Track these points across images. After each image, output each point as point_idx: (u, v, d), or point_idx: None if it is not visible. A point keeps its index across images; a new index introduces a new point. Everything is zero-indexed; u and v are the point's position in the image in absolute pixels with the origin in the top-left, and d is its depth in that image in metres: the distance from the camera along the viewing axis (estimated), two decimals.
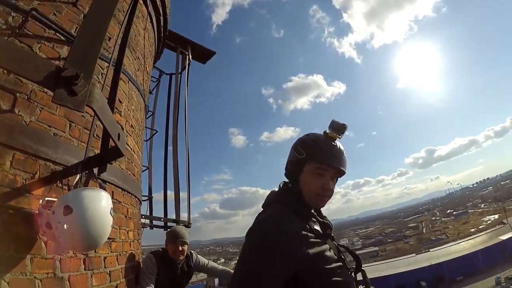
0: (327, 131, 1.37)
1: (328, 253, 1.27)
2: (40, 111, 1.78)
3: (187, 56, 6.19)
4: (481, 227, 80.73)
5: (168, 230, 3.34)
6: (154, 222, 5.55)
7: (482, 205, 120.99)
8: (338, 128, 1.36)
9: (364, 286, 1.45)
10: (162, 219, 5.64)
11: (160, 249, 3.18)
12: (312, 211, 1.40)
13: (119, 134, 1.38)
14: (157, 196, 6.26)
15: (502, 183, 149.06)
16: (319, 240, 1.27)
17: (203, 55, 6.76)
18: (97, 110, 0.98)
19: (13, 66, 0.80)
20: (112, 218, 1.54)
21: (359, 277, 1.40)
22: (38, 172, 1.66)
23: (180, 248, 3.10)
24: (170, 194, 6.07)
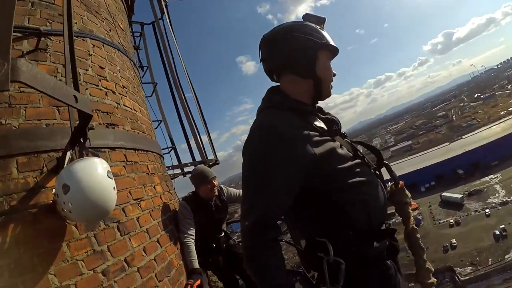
0: (318, 25, 1.28)
1: (340, 151, 1.17)
2: (25, 110, 1.79)
3: None
4: (510, 109, 78.29)
5: (192, 173, 3.31)
6: (185, 169, 5.80)
7: (510, 86, 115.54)
8: (320, 19, 1.31)
9: (392, 183, 1.41)
10: (190, 164, 5.84)
11: (190, 193, 3.27)
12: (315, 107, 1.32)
13: (75, 97, 1.27)
14: (182, 145, 6.41)
15: None
16: (326, 137, 1.16)
17: None
18: (29, 81, 0.90)
19: None
20: (112, 180, 1.54)
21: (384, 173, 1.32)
22: (44, 165, 1.72)
23: (214, 186, 3.16)
24: (192, 140, 6.19)
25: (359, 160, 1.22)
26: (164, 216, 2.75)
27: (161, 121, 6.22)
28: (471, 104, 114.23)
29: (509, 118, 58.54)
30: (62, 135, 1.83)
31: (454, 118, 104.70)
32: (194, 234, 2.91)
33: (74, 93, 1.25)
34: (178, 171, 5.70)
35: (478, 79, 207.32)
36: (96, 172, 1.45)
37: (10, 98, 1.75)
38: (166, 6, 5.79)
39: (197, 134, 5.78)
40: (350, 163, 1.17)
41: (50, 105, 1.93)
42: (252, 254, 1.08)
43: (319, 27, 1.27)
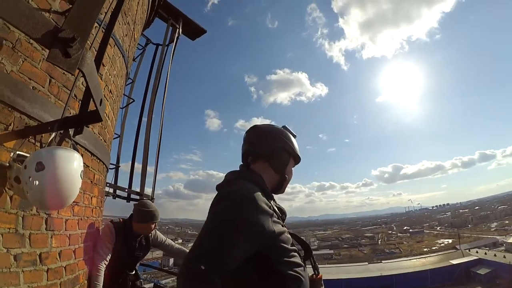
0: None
1: (287, 234, 1.35)
2: (23, 61, 1.71)
3: (178, 30, 6.07)
4: (434, 248, 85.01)
5: (140, 207, 3.15)
6: (118, 192, 5.51)
7: (438, 228, 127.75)
8: (294, 136, 1.62)
9: (313, 273, 1.56)
10: (126, 190, 5.60)
11: (121, 219, 3.14)
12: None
13: (101, 100, 1.38)
14: (124, 167, 6.18)
15: (461, 211, 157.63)
16: (280, 221, 1.36)
17: (193, 31, 6.65)
18: (87, 74, 0.99)
19: (9, 15, 0.79)
20: (81, 180, 1.54)
21: (307, 264, 1.49)
22: (12, 124, 1.62)
23: (151, 230, 3.11)
24: (137, 166, 6.05)
25: (295, 247, 1.40)
26: (88, 229, 2.62)
27: (119, 136, 6.07)
28: (399, 234, 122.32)
29: (430, 256, 62.84)
30: (42, 106, 1.79)
31: (379, 242, 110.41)
32: (108, 260, 2.77)
33: (102, 97, 1.34)
34: (110, 190, 5.45)
35: (411, 214, 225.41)
36: (73, 166, 1.45)
37: (17, 42, 1.68)
38: (177, 38, 6.08)
39: (146, 164, 5.71)
40: (292, 247, 1.36)
41: (46, 72, 1.89)
42: None
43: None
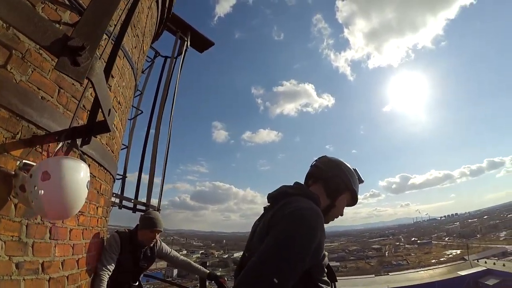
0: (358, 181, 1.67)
1: (326, 259, 1.39)
2: (32, 71, 1.72)
3: (186, 42, 6.16)
4: (442, 259, 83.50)
5: (145, 214, 3.22)
6: (124, 203, 5.53)
7: (447, 238, 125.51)
8: (361, 181, 1.70)
9: None
10: (132, 201, 5.60)
11: (126, 230, 3.15)
12: None
13: (109, 110, 1.38)
14: (131, 177, 6.21)
15: (470, 220, 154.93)
16: None
17: (201, 43, 6.73)
18: (95, 83, 0.98)
19: (19, 23, 0.79)
20: (87, 191, 1.53)
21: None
22: (20, 133, 1.62)
23: (155, 237, 3.11)
24: (144, 177, 6.08)
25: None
26: (93, 239, 2.60)
27: (126, 147, 6.10)
28: (407, 245, 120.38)
29: (438, 267, 61.70)
30: (50, 116, 1.79)
31: (386, 254, 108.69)
32: (111, 271, 2.74)
33: (111, 107, 1.33)
34: (117, 201, 5.45)
35: (419, 225, 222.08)
36: (79, 177, 1.44)
37: (27, 52, 1.69)
38: (185, 51, 6.16)
39: (153, 175, 5.72)
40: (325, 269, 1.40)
41: (55, 83, 1.90)
42: None
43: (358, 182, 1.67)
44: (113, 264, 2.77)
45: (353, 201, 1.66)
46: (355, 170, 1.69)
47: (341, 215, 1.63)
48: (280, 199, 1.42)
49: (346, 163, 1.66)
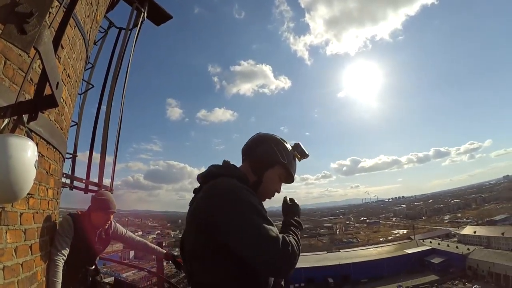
0: (298, 155, 1.64)
1: None
2: None
3: (142, 14, 5.80)
4: (389, 238, 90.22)
5: (97, 196, 3.08)
6: (75, 183, 5.24)
7: (394, 219, 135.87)
8: (304, 154, 1.66)
9: None
10: (83, 181, 5.35)
11: (79, 212, 3.00)
12: None
13: (57, 83, 1.25)
14: (81, 156, 5.89)
15: (415, 203, 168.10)
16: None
17: (159, 16, 6.41)
18: (42, 53, 0.89)
19: None
20: (36, 171, 1.43)
21: None
22: None
23: (109, 219, 3.01)
24: (95, 156, 5.76)
25: None
26: (44, 223, 2.43)
27: (76, 123, 5.74)
28: (356, 224, 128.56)
29: (386, 245, 66.72)
30: None
31: (337, 232, 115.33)
32: (66, 255, 2.61)
33: (59, 80, 1.22)
34: (67, 181, 5.17)
35: (368, 206, 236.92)
36: (27, 155, 1.34)
37: None
38: (141, 22, 5.81)
39: (105, 154, 5.48)
40: None
41: (1, 53, 1.68)
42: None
43: (296, 155, 1.63)
44: (67, 248, 2.64)
45: (287, 176, 1.60)
46: (297, 144, 1.66)
47: (277, 191, 1.60)
48: (208, 179, 1.42)
49: (277, 137, 1.62)
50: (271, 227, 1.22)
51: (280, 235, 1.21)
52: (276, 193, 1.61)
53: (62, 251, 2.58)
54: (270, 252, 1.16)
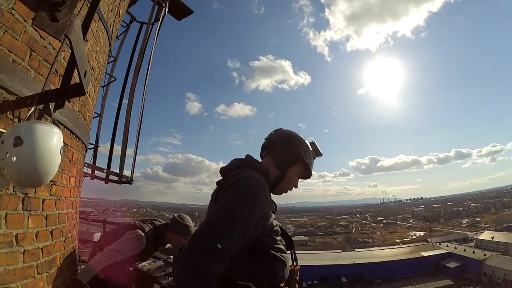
0: (313, 154, 1.68)
1: (278, 228, 1.48)
2: (4, 33, 1.55)
3: (164, 9, 5.80)
4: (406, 239, 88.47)
5: (181, 220, 3.00)
6: (96, 173, 5.39)
7: (411, 220, 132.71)
8: (318, 153, 1.72)
9: (293, 263, 1.65)
10: (104, 171, 5.48)
11: (152, 229, 2.92)
12: None
13: (85, 71, 1.29)
14: (103, 147, 6.09)
15: (434, 205, 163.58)
16: (272, 211, 1.46)
17: (180, 11, 6.38)
18: (73, 41, 0.91)
19: None
20: (60, 157, 1.46)
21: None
22: None
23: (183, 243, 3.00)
24: (116, 148, 5.89)
25: (280, 238, 1.54)
26: (66, 210, 2.52)
27: (98, 115, 5.86)
28: (373, 224, 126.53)
29: (402, 247, 65.50)
30: (21, 80, 1.66)
31: (353, 231, 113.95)
32: (116, 261, 2.58)
33: (87, 69, 1.26)
34: (88, 171, 5.29)
35: (386, 206, 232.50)
36: (53, 142, 1.37)
37: None
38: (163, 17, 5.82)
39: (126, 146, 5.56)
40: (279, 237, 1.49)
41: (27, 45, 1.73)
42: (197, 269, 1.04)
43: (314, 154, 1.68)
44: (121, 259, 2.61)
45: (306, 173, 1.66)
46: (313, 143, 1.70)
47: (295, 187, 1.66)
48: (230, 172, 1.45)
49: (300, 135, 1.66)
50: (237, 229, 1.17)
51: (227, 252, 1.10)
52: (294, 188, 1.66)
53: (119, 256, 2.58)
54: (199, 235, 1.12)
